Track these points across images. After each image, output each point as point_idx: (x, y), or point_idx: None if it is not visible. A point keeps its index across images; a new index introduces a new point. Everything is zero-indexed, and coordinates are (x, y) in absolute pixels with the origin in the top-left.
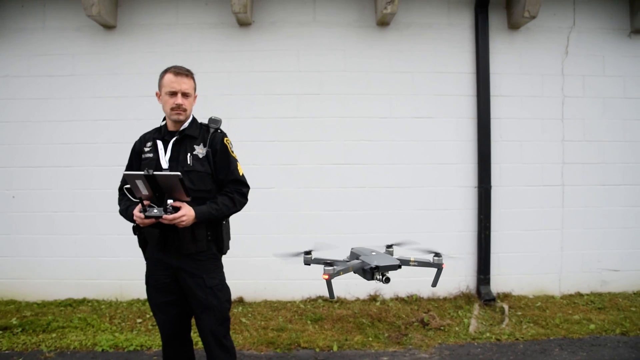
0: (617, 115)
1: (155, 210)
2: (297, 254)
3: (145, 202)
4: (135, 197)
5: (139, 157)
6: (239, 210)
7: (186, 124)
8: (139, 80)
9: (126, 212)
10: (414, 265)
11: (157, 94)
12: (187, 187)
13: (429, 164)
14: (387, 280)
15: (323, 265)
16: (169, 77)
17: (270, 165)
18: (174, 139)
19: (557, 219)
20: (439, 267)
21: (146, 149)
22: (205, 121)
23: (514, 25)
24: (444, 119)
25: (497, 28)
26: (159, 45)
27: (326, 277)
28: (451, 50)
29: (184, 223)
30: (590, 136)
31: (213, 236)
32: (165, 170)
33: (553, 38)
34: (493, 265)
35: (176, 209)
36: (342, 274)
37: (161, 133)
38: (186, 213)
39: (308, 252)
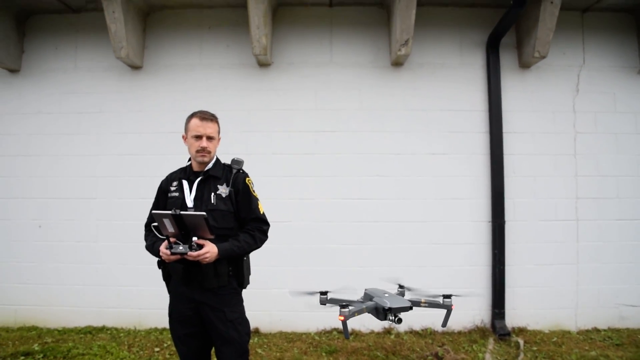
0: (630, 151)
1: (181, 248)
2: (313, 293)
3: (172, 239)
4: (161, 234)
5: (165, 196)
6: (259, 247)
7: (210, 165)
8: (162, 117)
9: (152, 247)
10: (425, 307)
11: (183, 136)
12: (211, 225)
13: (443, 199)
14: (400, 321)
15: (339, 307)
16: (195, 121)
17: (288, 199)
18: (198, 179)
19: (572, 253)
20: (449, 309)
21: (172, 188)
22: (228, 161)
23: (524, 65)
24: (457, 155)
25: (508, 67)
26: (182, 85)
27: (342, 318)
28: (464, 89)
29: (207, 259)
30: (603, 171)
31: (234, 271)
32: (190, 208)
33: (563, 76)
34: (508, 300)
35: (200, 247)
36: (357, 314)
37: (186, 173)
38: (210, 250)
39: (324, 293)
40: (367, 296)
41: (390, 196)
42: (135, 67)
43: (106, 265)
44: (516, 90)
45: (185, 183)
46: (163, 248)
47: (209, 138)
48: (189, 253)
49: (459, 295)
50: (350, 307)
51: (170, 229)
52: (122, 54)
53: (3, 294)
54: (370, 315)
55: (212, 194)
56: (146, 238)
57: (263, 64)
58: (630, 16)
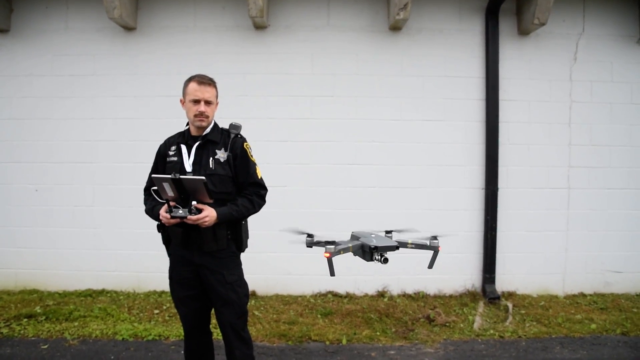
0: (624, 121)
1: (181, 211)
2: (301, 233)
3: (171, 203)
4: (161, 198)
5: (163, 160)
6: (257, 211)
7: (208, 130)
8: (158, 80)
9: (152, 211)
10: (412, 248)
11: (181, 100)
12: (210, 189)
13: (438, 166)
14: (386, 260)
15: (324, 244)
16: (193, 85)
17: (284, 164)
18: (197, 143)
19: (562, 221)
20: (435, 250)
21: (171, 153)
22: (226, 126)
23: (523, 32)
24: (453, 122)
25: (507, 34)
26: (177, 47)
27: (327, 255)
28: (461, 55)
29: (206, 223)
30: (597, 141)
31: (233, 235)
32: (188, 173)
33: (562, 44)
34: (498, 265)
35: (199, 210)
36: (343, 253)
37: (185, 138)
38: (209, 214)
39: (310, 235)
40: (354, 237)
41: (386, 162)
42: (129, 29)
43: (104, 229)
44: (514, 57)
45: (183, 147)
46: (163, 212)
47: (207, 102)
48: (189, 217)
49: (446, 235)
50: (336, 245)
51: (170, 192)
52: (115, 14)
53: (2, 258)
54: (365, 277)
55: (211, 158)
56: (145, 202)
57: (259, 27)
58: None
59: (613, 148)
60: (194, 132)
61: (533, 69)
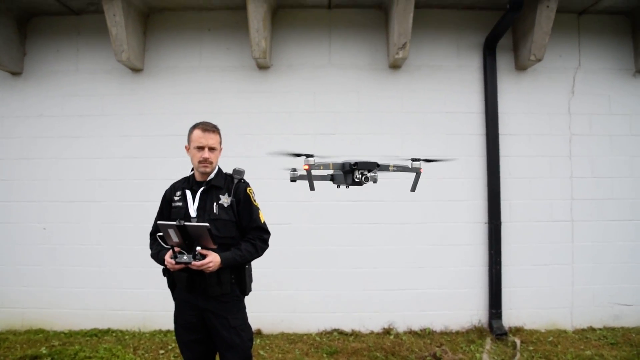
0: (624, 152)
1: (185, 257)
2: (297, 155)
3: (176, 249)
4: (166, 244)
5: (169, 205)
6: (260, 255)
7: (212, 175)
8: (163, 119)
9: (157, 256)
10: (393, 170)
11: (186, 147)
12: (214, 235)
13: (441, 201)
14: (367, 179)
15: (304, 157)
16: (197, 132)
17: (287, 202)
18: (201, 189)
19: (567, 254)
20: (417, 172)
21: (176, 198)
22: (230, 170)
23: (521, 67)
24: (454, 156)
25: (504, 69)
26: (183, 87)
27: (306, 167)
28: (461, 91)
29: (210, 268)
30: (598, 173)
31: (237, 279)
32: (193, 218)
33: (559, 78)
34: (505, 300)
35: (204, 256)
36: (322, 168)
37: (189, 183)
38: (213, 260)
39: (294, 170)
40: (337, 165)
41: (389, 198)
42: (136, 70)
43: (110, 267)
44: (512, 92)
45: (188, 193)
46: (168, 257)
47: (211, 149)
48: (193, 262)
49: (431, 161)
50: (317, 160)
51: (175, 238)
52: (123, 57)
53: (9, 297)
54: (370, 314)
55: (215, 203)
56: (151, 247)
57: (262, 67)
58: (626, 19)
59: (615, 180)
60: (198, 177)
61: (532, 103)
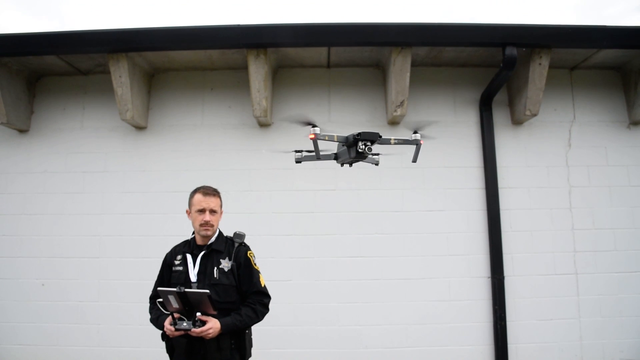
0: (624, 203)
1: (185, 324)
2: (305, 124)
3: (176, 315)
4: (166, 310)
5: (169, 269)
6: (260, 320)
7: (213, 239)
8: (165, 176)
9: (157, 321)
10: (395, 143)
11: (187, 211)
12: (214, 300)
13: (442, 256)
14: (370, 149)
15: (310, 126)
16: (198, 196)
17: (288, 258)
18: (202, 253)
19: (573, 308)
20: (417, 144)
21: (176, 262)
22: (231, 233)
23: (517, 122)
24: (454, 211)
25: (501, 124)
26: (185, 145)
27: (312, 136)
28: (459, 146)
29: (210, 335)
30: (600, 224)
31: (236, 345)
32: (193, 283)
33: (556, 131)
34: (511, 357)
35: (203, 322)
36: (327, 139)
37: (190, 247)
38: (213, 326)
39: (299, 151)
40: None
41: (390, 254)
42: (140, 128)
43: (108, 325)
44: (510, 146)
45: (189, 257)
46: (167, 324)
47: (212, 212)
48: (193, 329)
49: (430, 138)
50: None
51: (175, 305)
52: (128, 116)
53: (5, 355)
54: None
55: (215, 268)
56: (150, 311)
57: (263, 125)
58: (617, 73)
59: (617, 231)
60: (199, 241)
61: (530, 156)
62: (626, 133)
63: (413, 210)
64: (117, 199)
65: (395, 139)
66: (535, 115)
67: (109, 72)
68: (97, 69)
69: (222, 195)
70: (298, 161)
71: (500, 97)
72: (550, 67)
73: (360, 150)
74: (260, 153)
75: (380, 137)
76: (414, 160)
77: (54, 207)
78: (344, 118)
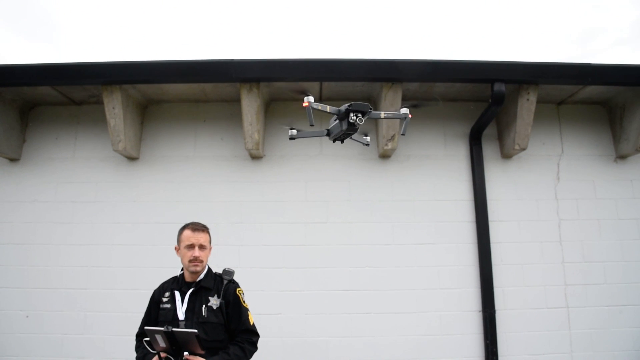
0: (613, 237)
1: None
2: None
3: (162, 355)
4: (153, 349)
5: (157, 306)
6: (249, 358)
7: (202, 275)
8: (156, 207)
9: None
10: (385, 117)
11: (175, 248)
12: (202, 339)
13: (433, 289)
14: (361, 120)
15: (305, 96)
16: (187, 232)
17: (278, 291)
18: (190, 290)
19: (565, 342)
20: (406, 117)
21: (164, 299)
22: (220, 270)
23: (506, 155)
24: (445, 244)
25: (491, 158)
26: (177, 176)
27: (306, 104)
28: (449, 179)
29: None
30: (590, 257)
31: None
32: (181, 321)
33: (544, 165)
34: None
35: None
36: (320, 108)
37: (179, 284)
38: None
39: (292, 129)
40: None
41: (380, 287)
42: (132, 158)
43: (93, 359)
44: (500, 179)
45: (177, 294)
46: None
47: (201, 247)
48: None
49: (417, 106)
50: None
51: (162, 344)
52: (120, 147)
53: None
54: None
55: (204, 305)
56: (137, 350)
57: (255, 157)
58: (602, 108)
59: (607, 264)
60: (188, 278)
61: (519, 189)
62: (613, 167)
63: (404, 243)
64: (107, 230)
65: (385, 113)
66: (524, 149)
67: (102, 103)
68: (90, 99)
69: (212, 227)
70: (292, 138)
71: (490, 131)
72: (538, 102)
73: (351, 121)
74: (251, 185)
75: (371, 109)
76: (403, 133)
77: (42, 237)
78: (336, 151)
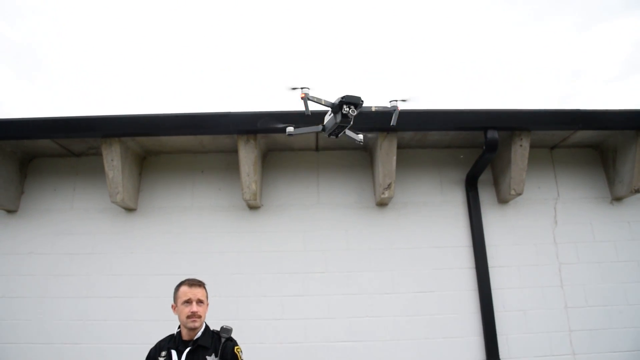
0: (615, 280)
1: None
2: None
3: None
4: None
5: None
6: None
7: (199, 333)
8: (153, 258)
9: None
10: (375, 110)
11: (172, 306)
12: None
13: (435, 339)
14: (354, 111)
15: (301, 88)
16: (183, 289)
17: (277, 343)
18: (187, 349)
19: None
20: (395, 109)
21: (161, 359)
22: (217, 324)
23: (502, 200)
24: (445, 292)
25: (488, 203)
26: (174, 226)
27: (302, 95)
28: (447, 225)
29: None
30: (593, 301)
31: None
32: None
33: (541, 209)
34: None
35: None
36: (315, 100)
37: (175, 342)
38: None
39: (290, 126)
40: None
41: (381, 337)
42: (130, 209)
43: None
44: (497, 224)
45: (174, 353)
46: None
47: (199, 302)
48: None
49: (405, 100)
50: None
51: None
52: (118, 199)
53: None
54: None
55: None
56: None
57: (253, 207)
58: (595, 151)
59: (610, 308)
60: (185, 336)
61: (518, 234)
62: (610, 209)
63: (403, 292)
64: (104, 282)
65: (375, 107)
66: (520, 194)
67: (101, 154)
68: (89, 151)
69: (210, 278)
70: (290, 134)
71: (485, 176)
72: (531, 146)
73: (344, 112)
74: (249, 235)
75: (362, 101)
76: (393, 124)
77: (37, 290)
78: (333, 200)
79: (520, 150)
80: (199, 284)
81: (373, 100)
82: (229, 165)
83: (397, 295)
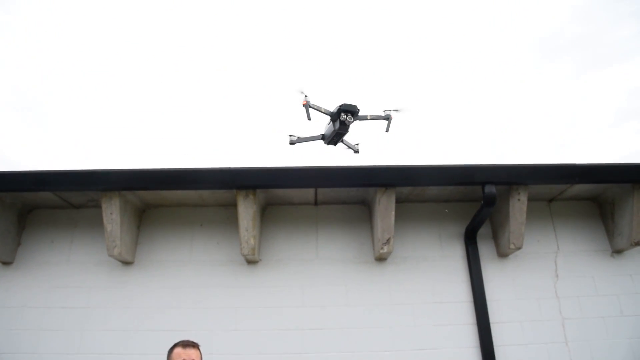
0: (620, 335)
1: None
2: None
3: None
4: None
5: None
6: None
7: None
8: (149, 313)
9: None
10: (371, 119)
11: None
12: None
13: None
14: (351, 118)
15: (304, 95)
16: (177, 350)
17: None
18: None
19: None
20: (389, 118)
21: None
22: None
23: (502, 254)
24: (447, 349)
25: (487, 257)
26: (172, 281)
27: (304, 102)
28: (447, 280)
29: None
30: (599, 358)
31: None
32: None
33: (541, 263)
34: None
35: None
36: (316, 108)
37: None
38: None
39: (292, 135)
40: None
41: None
42: (127, 263)
43: None
44: (498, 279)
45: None
46: None
47: None
48: None
49: (398, 110)
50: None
51: None
52: (115, 252)
53: None
54: None
55: None
56: None
57: (251, 262)
58: (593, 204)
59: None
60: None
61: (519, 288)
62: (611, 261)
63: (404, 349)
64: (97, 338)
65: (371, 115)
66: (519, 248)
67: (100, 206)
68: (89, 203)
69: (207, 335)
70: (292, 143)
71: (485, 230)
72: (529, 200)
73: (342, 119)
74: (247, 290)
75: (358, 110)
76: (387, 131)
77: (28, 346)
78: (332, 254)
79: (518, 204)
80: (193, 345)
81: (368, 109)
82: (228, 218)
83: (397, 352)
